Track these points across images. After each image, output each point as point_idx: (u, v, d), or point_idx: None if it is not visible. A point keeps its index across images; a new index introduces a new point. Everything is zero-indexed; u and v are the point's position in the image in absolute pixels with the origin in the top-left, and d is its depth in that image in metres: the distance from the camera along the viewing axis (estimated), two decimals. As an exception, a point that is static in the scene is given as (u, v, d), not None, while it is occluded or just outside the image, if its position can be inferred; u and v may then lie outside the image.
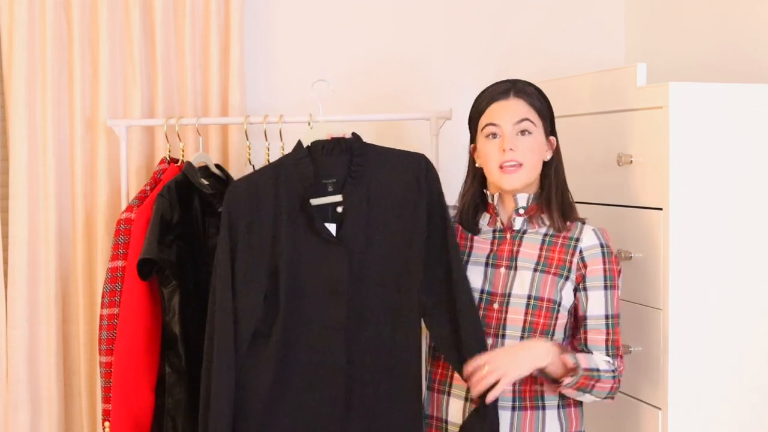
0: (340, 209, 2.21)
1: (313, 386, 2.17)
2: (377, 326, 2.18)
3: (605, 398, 2.11)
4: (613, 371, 2.09)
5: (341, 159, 2.24)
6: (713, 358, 2.26)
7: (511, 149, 2.09)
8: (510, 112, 2.11)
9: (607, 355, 2.11)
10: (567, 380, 2.03)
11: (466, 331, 2.10)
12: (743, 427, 2.30)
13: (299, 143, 2.26)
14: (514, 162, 2.10)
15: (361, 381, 2.17)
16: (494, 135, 2.12)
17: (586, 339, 2.12)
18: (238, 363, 2.16)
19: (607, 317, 2.11)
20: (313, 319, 2.18)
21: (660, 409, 2.26)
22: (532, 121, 2.12)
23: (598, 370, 2.06)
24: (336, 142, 2.25)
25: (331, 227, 2.20)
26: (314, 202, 2.20)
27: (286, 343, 2.17)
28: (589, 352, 2.12)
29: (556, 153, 2.19)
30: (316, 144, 2.25)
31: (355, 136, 2.26)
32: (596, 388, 2.07)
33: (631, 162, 2.34)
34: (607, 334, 2.11)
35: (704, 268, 2.24)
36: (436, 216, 2.19)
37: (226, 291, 2.16)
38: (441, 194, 2.21)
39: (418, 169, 2.21)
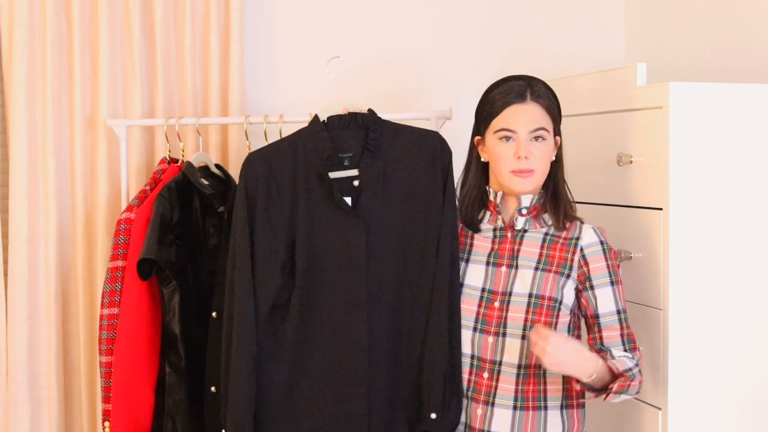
0: (356, 183, 2.22)
1: (334, 363, 2.18)
2: (397, 301, 2.19)
3: (636, 394, 2.14)
4: (637, 365, 2.11)
5: (357, 134, 2.25)
6: (713, 358, 2.26)
7: (526, 157, 2.10)
8: (527, 119, 2.11)
9: (625, 350, 2.12)
10: (615, 386, 2.05)
11: (432, 324, 2.15)
12: (743, 427, 2.30)
13: (315, 117, 2.27)
14: (528, 169, 2.10)
15: (382, 356, 2.18)
16: (508, 138, 2.12)
17: (601, 338, 2.13)
18: (261, 341, 2.17)
19: (618, 312, 2.13)
20: (333, 294, 2.19)
21: (660, 409, 2.26)
22: (546, 129, 2.12)
23: (630, 369, 2.08)
24: (352, 117, 2.26)
25: (348, 201, 2.22)
26: (332, 175, 2.21)
27: (304, 319, 2.18)
28: (606, 350, 2.12)
29: (559, 152, 2.20)
30: (333, 118, 2.26)
31: (371, 112, 2.27)
32: (631, 387, 2.09)
33: (631, 162, 2.34)
34: (621, 328, 2.13)
35: (704, 268, 2.24)
36: (447, 197, 2.21)
37: (246, 266, 2.17)
38: (452, 174, 2.23)
39: (433, 146, 2.23)
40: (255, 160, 2.23)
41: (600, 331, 2.13)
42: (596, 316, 2.13)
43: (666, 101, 2.20)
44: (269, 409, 2.18)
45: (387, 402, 2.19)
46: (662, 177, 2.23)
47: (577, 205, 2.25)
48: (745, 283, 2.28)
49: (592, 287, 2.13)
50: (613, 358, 2.10)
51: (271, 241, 2.19)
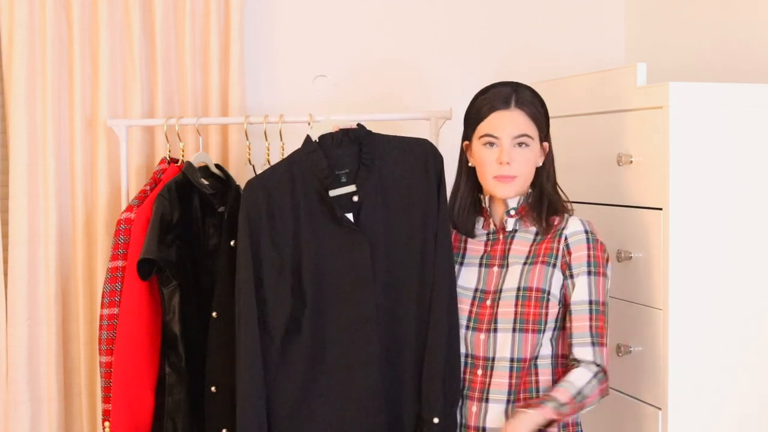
0: (355, 198, 2.23)
1: (348, 378, 2.18)
2: (406, 313, 2.19)
3: (601, 399, 2.12)
4: (595, 374, 2.08)
5: (351, 150, 2.25)
6: (713, 358, 2.26)
7: (508, 163, 2.11)
8: (510, 125, 2.12)
9: (593, 343, 2.09)
10: (552, 430, 2.07)
11: (431, 332, 2.15)
12: (743, 427, 2.30)
13: (308, 137, 2.27)
14: (510, 176, 2.12)
15: (392, 368, 2.18)
16: (491, 144, 2.13)
17: (571, 327, 2.11)
18: (272, 364, 2.17)
19: (590, 303, 2.10)
20: (342, 311, 2.19)
21: (660, 409, 2.26)
22: (530, 135, 2.13)
23: (579, 392, 2.06)
24: (344, 134, 2.26)
25: (349, 217, 2.22)
26: (330, 193, 2.22)
27: (316, 340, 2.18)
28: (572, 360, 2.11)
29: (548, 157, 2.20)
30: (325, 137, 2.26)
31: (361, 127, 2.28)
32: (588, 403, 2.08)
33: (631, 162, 2.34)
34: (591, 320, 2.10)
35: (704, 268, 2.24)
36: (442, 202, 2.22)
37: (251, 298, 2.17)
38: (444, 180, 2.23)
39: (425, 154, 2.24)
40: (254, 189, 2.23)
41: (571, 320, 2.12)
42: (570, 304, 2.12)
43: (666, 101, 2.20)
44: (283, 428, 2.19)
45: (395, 411, 2.19)
46: (662, 177, 2.23)
47: (577, 205, 2.25)
48: (745, 283, 2.28)
49: (571, 276, 2.12)
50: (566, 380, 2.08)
51: (279, 267, 2.19)
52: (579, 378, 2.07)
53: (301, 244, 2.20)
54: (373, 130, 2.29)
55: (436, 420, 2.14)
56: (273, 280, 2.19)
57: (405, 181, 2.23)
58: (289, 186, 2.23)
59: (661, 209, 2.24)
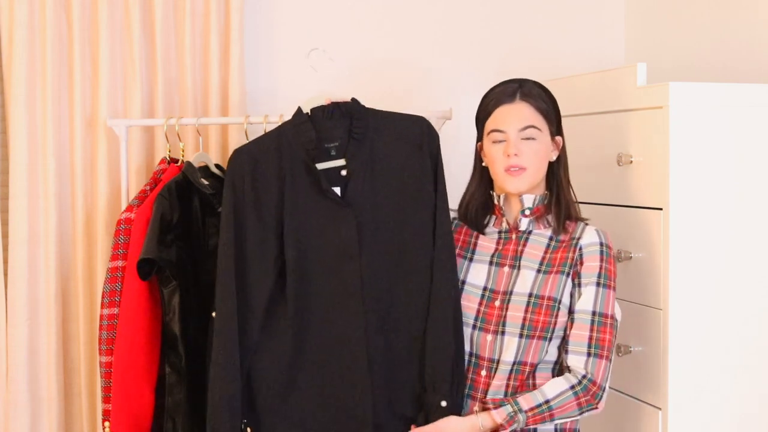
0: (344, 172, 2.20)
1: (332, 354, 2.16)
2: (392, 290, 2.17)
3: (584, 413, 2.08)
4: (572, 386, 2.05)
5: (342, 123, 2.22)
6: (713, 358, 2.26)
7: (515, 155, 2.10)
8: (515, 118, 2.12)
9: (588, 354, 2.06)
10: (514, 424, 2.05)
11: (432, 319, 2.14)
12: (743, 427, 2.30)
13: (299, 109, 2.25)
14: (518, 166, 2.11)
15: (380, 345, 2.16)
16: (500, 140, 2.13)
17: (570, 335, 2.09)
18: (252, 342, 2.15)
19: (594, 313, 2.08)
20: (326, 284, 2.17)
21: (660, 409, 2.26)
22: (536, 127, 2.12)
23: (547, 401, 2.04)
24: (336, 106, 2.24)
25: (336, 191, 2.20)
26: (319, 166, 2.19)
27: (300, 314, 2.16)
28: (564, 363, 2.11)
29: (562, 153, 2.20)
30: (316, 109, 2.24)
31: (355, 101, 2.26)
32: (557, 414, 2.06)
33: (631, 162, 2.34)
34: (591, 330, 2.07)
35: (704, 268, 2.24)
36: (439, 181, 2.20)
37: (230, 266, 2.16)
38: (441, 158, 2.21)
39: (420, 131, 2.22)
40: (240, 157, 2.21)
41: (571, 328, 2.09)
42: (572, 312, 2.11)
43: (666, 101, 2.20)
44: (267, 405, 2.17)
45: (387, 391, 2.16)
46: (662, 177, 2.23)
47: (580, 205, 2.25)
48: (745, 283, 2.28)
49: (579, 284, 2.11)
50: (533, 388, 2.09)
51: (263, 237, 2.17)
52: (552, 388, 2.06)
53: (286, 216, 2.18)
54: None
55: (443, 403, 2.10)
56: (256, 251, 2.17)
57: (398, 157, 2.20)
58: (276, 156, 2.20)
59: (661, 209, 2.24)
